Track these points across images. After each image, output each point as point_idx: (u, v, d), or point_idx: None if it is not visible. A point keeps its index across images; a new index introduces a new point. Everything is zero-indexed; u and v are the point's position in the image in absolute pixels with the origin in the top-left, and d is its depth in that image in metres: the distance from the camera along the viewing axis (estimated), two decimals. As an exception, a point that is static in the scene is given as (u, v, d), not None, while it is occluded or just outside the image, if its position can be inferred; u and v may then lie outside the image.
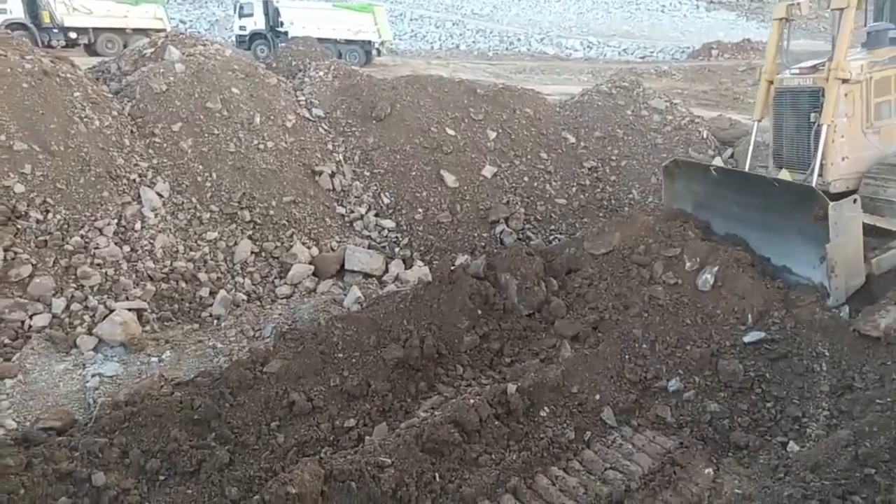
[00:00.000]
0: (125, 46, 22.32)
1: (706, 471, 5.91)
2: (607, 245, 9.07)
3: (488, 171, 13.20)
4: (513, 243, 11.18)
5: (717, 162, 9.69)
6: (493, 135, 13.83)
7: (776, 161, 9.32)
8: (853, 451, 5.37)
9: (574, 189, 13.46)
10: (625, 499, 5.62)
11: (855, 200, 7.25)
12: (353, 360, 8.01)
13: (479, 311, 8.68)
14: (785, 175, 8.56)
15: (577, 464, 6.16)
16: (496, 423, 6.40)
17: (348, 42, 31.52)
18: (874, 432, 5.47)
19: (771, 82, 9.43)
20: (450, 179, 12.92)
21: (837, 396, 6.40)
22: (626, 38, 39.59)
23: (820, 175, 8.44)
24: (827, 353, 6.78)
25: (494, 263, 9.35)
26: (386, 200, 12.78)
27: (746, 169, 9.66)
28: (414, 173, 13.00)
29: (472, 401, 6.38)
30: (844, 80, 8.18)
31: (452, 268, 9.46)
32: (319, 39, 22.96)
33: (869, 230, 7.84)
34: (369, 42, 32.23)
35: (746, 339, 7.18)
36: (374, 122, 13.63)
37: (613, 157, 14.12)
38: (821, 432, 6.08)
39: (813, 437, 6.05)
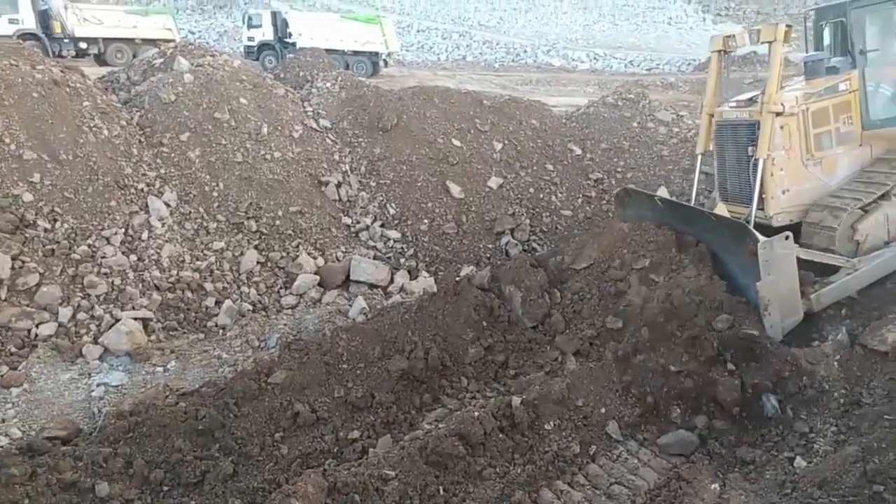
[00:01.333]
0: (134, 57, 22.54)
1: (712, 486, 5.86)
2: (587, 259, 8.99)
3: (494, 182, 13.22)
4: (518, 255, 11.15)
5: (663, 191, 9.57)
6: (499, 146, 13.86)
7: (721, 194, 9.18)
8: (861, 467, 5.31)
9: (580, 201, 13.47)
10: (630, 514, 5.58)
11: (787, 237, 7.04)
12: (358, 372, 7.99)
13: (484, 323, 8.65)
14: (722, 209, 8.21)
15: (582, 478, 6.11)
16: (501, 436, 6.36)
17: (356, 53, 31.71)
18: (883, 448, 5.41)
19: (712, 115, 9.24)
20: (455, 190, 12.94)
21: (845, 412, 6.35)
22: (632, 50, 39.69)
23: (762, 209, 8.32)
24: (836, 366, 6.73)
25: (498, 275, 9.32)
26: (392, 211, 12.81)
27: (692, 201, 9.51)
28: (420, 184, 13.03)
29: (476, 413, 6.35)
30: (778, 113, 8.07)
31: (457, 279, 9.45)
32: (327, 50, 23.11)
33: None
34: (376, 53, 32.41)
35: None
36: (380, 132, 13.68)
37: (619, 169, 14.13)
38: (828, 448, 6.02)
39: (820, 453, 5.99)
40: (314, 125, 13.60)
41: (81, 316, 8.86)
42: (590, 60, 38.16)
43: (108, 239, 9.73)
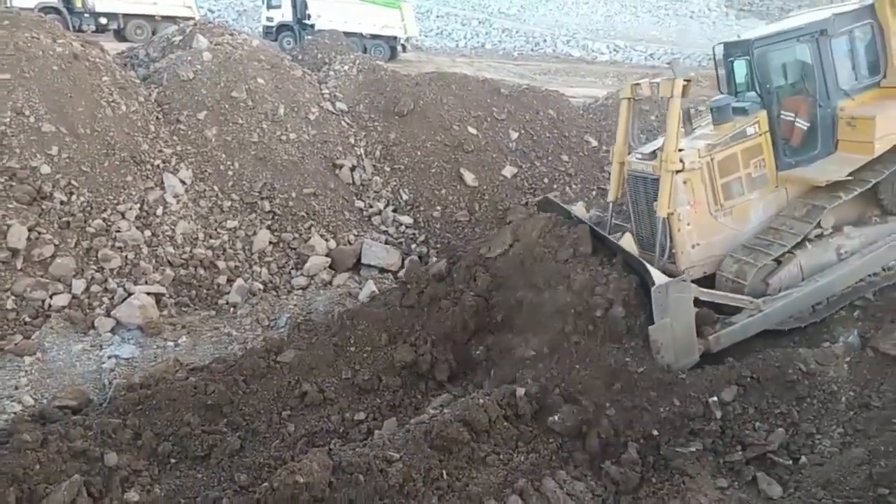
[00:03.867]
0: (154, 33, 22.55)
1: (716, 482, 5.87)
2: (501, 246, 8.77)
3: (508, 171, 13.18)
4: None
5: (579, 207, 9.24)
6: (514, 135, 13.81)
7: (637, 241, 8.62)
8: (867, 470, 5.29)
9: (594, 193, 13.40)
10: (632, 506, 5.60)
11: (684, 280, 6.94)
12: (364, 355, 8.05)
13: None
14: (627, 240, 7.87)
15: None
16: (505, 424, 6.39)
17: (374, 37, 31.58)
18: (890, 452, 5.39)
19: (622, 163, 8.93)
20: (469, 178, 12.92)
21: (853, 414, 6.31)
22: (653, 42, 39.24)
23: (673, 262, 8.07)
24: (845, 368, 6.69)
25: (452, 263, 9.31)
26: (405, 196, 12.81)
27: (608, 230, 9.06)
28: (434, 170, 13.01)
29: (481, 401, 6.37)
30: (678, 171, 7.73)
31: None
32: (345, 33, 22.97)
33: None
34: (395, 38, 32.26)
35: None
36: (396, 117, 13.66)
37: (635, 163, 14.04)
38: (834, 449, 5.99)
39: (826, 454, 5.97)
40: (330, 108, 13.59)
41: (95, 288, 8.95)
42: (609, 52, 37.79)
43: (123, 213, 9.80)
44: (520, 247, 8.58)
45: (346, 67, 14.98)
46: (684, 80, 7.69)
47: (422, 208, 12.54)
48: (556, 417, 6.34)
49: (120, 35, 25.30)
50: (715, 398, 6.40)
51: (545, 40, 39.76)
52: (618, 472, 5.76)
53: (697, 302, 7.24)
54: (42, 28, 11.18)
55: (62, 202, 9.46)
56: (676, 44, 37.80)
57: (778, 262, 7.85)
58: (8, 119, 9.61)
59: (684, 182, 7.86)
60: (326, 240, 11.29)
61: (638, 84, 8.79)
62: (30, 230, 8.88)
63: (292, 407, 7.40)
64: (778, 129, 8.28)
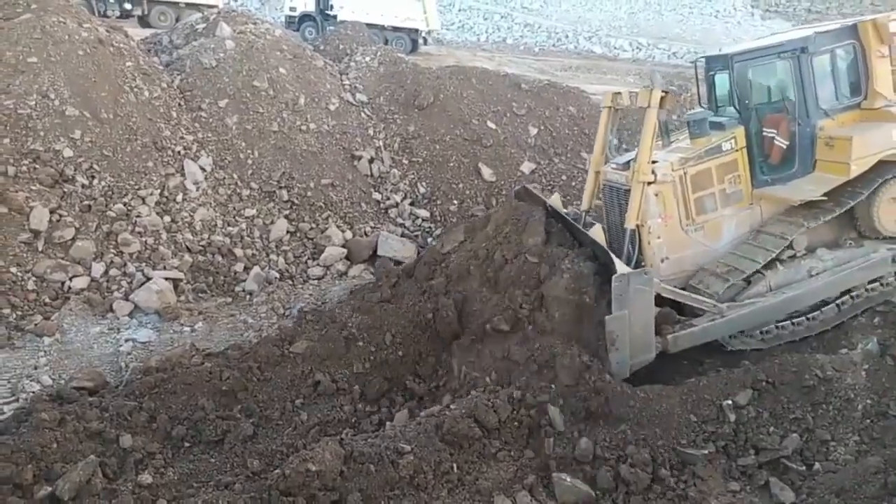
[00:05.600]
0: (178, 20, 22.68)
1: (728, 485, 5.84)
2: (452, 243, 8.74)
3: (527, 167, 13.13)
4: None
5: (555, 198, 9.05)
6: (534, 131, 13.75)
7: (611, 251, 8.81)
8: (882, 479, 5.24)
9: (612, 191, 13.32)
10: (642, 506, 5.58)
11: (647, 273, 6.78)
12: (372, 349, 8.06)
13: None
14: (598, 231, 7.65)
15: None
16: (516, 423, 6.35)
17: (396, 29, 31.53)
18: (906, 462, 5.33)
19: (598, 172, 8.79)
20: (487, 173, 12.89)
21: (870, 422, 6.24)
22: (676, 41, 38.82)
23: None
24: (863, 376, 6.61)
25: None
26: (422, 190, 12.81)
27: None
28: (452, 164, 12.99)
29: (491, 402, 6.31)
30: (650, 182, 7.58)
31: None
32: (367, 25, 22.97)
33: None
34: (416, 30, 32.19)
35: None
36: (416, 110, 13.65)
37: (655, 162, 13.93)
38: (849, 457, 5.94)
39: (840, 462, 5.92)
40: (350, 99, 13.61)
41: (114, 272, 9.05)
42: (632, 49, 37.45)
43: (143, 199, 9.89)
44: (470, 244, 8.58)
45: (367, 59, 14.99)
46: (662, 92, 7.54)
47: (439, 202, 12.53)
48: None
49: (144, 21, 25.43)
50: (729, 401, 6.36)
51: (567, 36, 39.49)
52: (629, 472, 5.75)
53: (661, 301, 7.16)
54: (68, 13, 11.30)
55: (84, 186, 9.57)
56: (700, 43, 37.36)
57: (748, 281, 7.69)
58: (33, 102, 9.73)
59: (656, 194, 7.75)
60: (343, 231, 11.33)
61: (619, 93, 8.64)
62: (51, 212, 9.00)
63: (305, 396, 7.45)
64: (755, 146, 8.11)
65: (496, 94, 14.21)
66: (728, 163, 8.04)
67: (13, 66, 9.98)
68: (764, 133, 8.15)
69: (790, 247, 7.82)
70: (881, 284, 7.94)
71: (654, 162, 7.71)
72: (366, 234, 11.45)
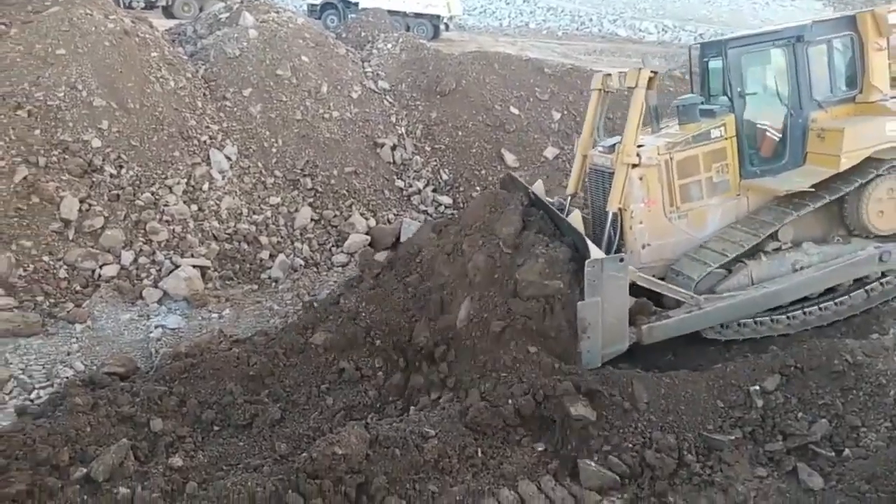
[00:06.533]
0: (201, 10, 22.81)
1: (755, 471, 5.78)
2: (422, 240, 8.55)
3: (550, 152, 13.05)
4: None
5: (538, 185, 8.77)
6: (557, 116, 13.65)
7: (592, 239, 7.98)
8: (915, 465, 5.15)
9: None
10: (668, 490, 5.56)
11: (622, 259, 6.50)
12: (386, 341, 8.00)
13: None
14: (577, 217, 7.63)
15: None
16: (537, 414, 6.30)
17: (417, 15, 31.38)
18: (939, 448, 5.22)
19: (586, 156, 8.56)
20: (510, 159, 12.84)
21: (902, 408, 6.12)
22: (703, 22, 38.08)
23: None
24: (895, 361, 6.49)
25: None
26: (445, 176, 12.80)
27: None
28: (474, 150, 12.96)
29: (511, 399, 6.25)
30: (634, 165, 7.37)
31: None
32: (389, 12, 22.88)
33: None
34: (438, 16, 31.99)
35: None
36: (438, 96, 13.62)
37: (680, 146, 13.74)
38: (880, 443, 5.83)
39: (871, 448, 5.82)
40: (373, 86, 13.62)
41: (143, 260, 9.21)
42: (658, 32, 36.81)
43: (170, 188, 10.03)
44: (440, 239, 8.40)
45: (389, 46, 14.97)
46: (651, 72, 7.37)
47: (461, 189, 12.52)
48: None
49: (168, 11, 25.63)
50: (757, 387, 6.29)
51: (591, 19, 38.94)
52: (654, 457, 5.72)
53: (641, 292, 7.00)
54: (95, 4, 11.44)
55: (112, 175, 9.73)
56: (728, 24, 36.62)
57: (729, 269, 7.50)
58: (62, 93, 9.90)
59: (640, 178, 7.55)
60: (366, 218, 11.39)
61: (609, 75, 8.38)
62: (81, 202, 9.17)
63: (330, 381, 7.51)
64: (745, 135, 7.87)
65: (519, 79, 14.11)
66: (716, 150, 7.82)
67: (42, 59, 10.15)
68: (757, 124, 7.93)
69: (775, 238, 7.62)
70: None
71: (640, 146, 7.51)
72: (389, 222, 11.50)
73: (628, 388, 6.21)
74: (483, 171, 12.77)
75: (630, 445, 5.82)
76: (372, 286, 8.57)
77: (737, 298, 7.24)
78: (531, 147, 13.00)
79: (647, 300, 7.08)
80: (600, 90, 8.54)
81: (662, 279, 7.56)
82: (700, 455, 5.87)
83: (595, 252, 6.48)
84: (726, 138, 7.81)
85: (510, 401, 6.13)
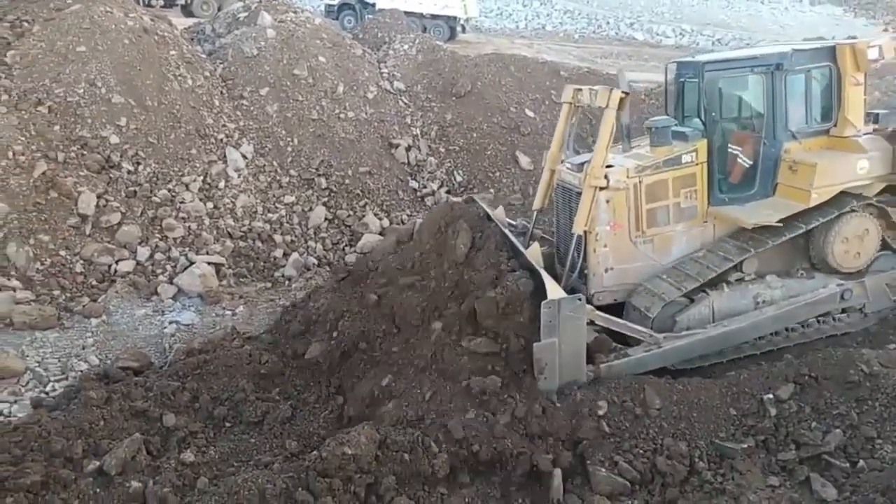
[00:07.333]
0: (220, 9, 22.99)
1: (767, 480, 5.73)
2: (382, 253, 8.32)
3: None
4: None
5: (499, 212, 8.58)
6: (573, 119, 13.58)
7: (557, 256, 8.19)
8: (931, 478, 5.08)
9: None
10: (678, 498, 5.52)
11: (580, 299, 6.28)
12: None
13: None
14: (535, 250, 7.31)
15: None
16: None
17: (434, 17, 31.44)
18: (956, 461, 5.15)
19: (554, 171, 8.30)
20: (525, 161, 12.82)
21: (919, 420, 6.05)
22: (721, 27, 37.85)
23: (584, 283, 7.47)
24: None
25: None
26: (459, 178, 12.81)
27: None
28: (489, 152, 12.95)
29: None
30: (602, 187, 7.15)
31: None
32: (406, 13, 22.97)
33: None
34: (455, 18, 32.04)
35: None
36: (453, 98, 13.63)
37: (697, 151, 13.66)
38: (896, 455, 5.77)
39: (887, 460, 5.75)
40: (388, 87, 13.66)
41: (158, 256, 9.30)
42: (675, 36, 36.61)
43: (187, 185, 10.12)
44: (397, 254, 8.24)
45: (405, 47, 15.01)
46: (622, 93, 7.14)
47: (475, 190, 12.51)
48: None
49: (187, 10, 25.84)
50: (770, 395, 6.23)
51: (608, 22, 38.81)
52: (665, 464, 5.69)
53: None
54: (115, 2, 11.57)
55: (129, 172, 9.83)
56: (746, 29, 36.42)
57: (690, 299, 7.33)
58: (82, 90, 10.01)
59: (607, 201, 7.32)
60: (380, 218, 11.42)
61: (580, 90, 8.17)
62: (98, 197, 9.27)
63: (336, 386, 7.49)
64: (716, 162, 7.66)
65: (535, 81, 14.10)
66: (686, 176, 7.58)
67: (63, 56, 10.28)
68: (728, 150, 7.74)
69: (739, 269, 7.45)
70: None
71: (609, 166, 7.34)
72: (402, 222, 11.51)
73: (640, 393, 6.19)
74: (497, 174, 12.76)
75: (641, 451, 5.79)
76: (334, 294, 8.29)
77: (694, 338, 7.07)
78: (546, 150, 12.96)
79: (605, 336, 6.90)
80: (570, 104, 8.32)
81: (623, 303, 7.47)
82: (712, 463, 5.83)
83: (553, 292, 6.30)
84: (697, 164, 7.60)
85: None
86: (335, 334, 7.58)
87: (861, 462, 5.74)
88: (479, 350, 6.54)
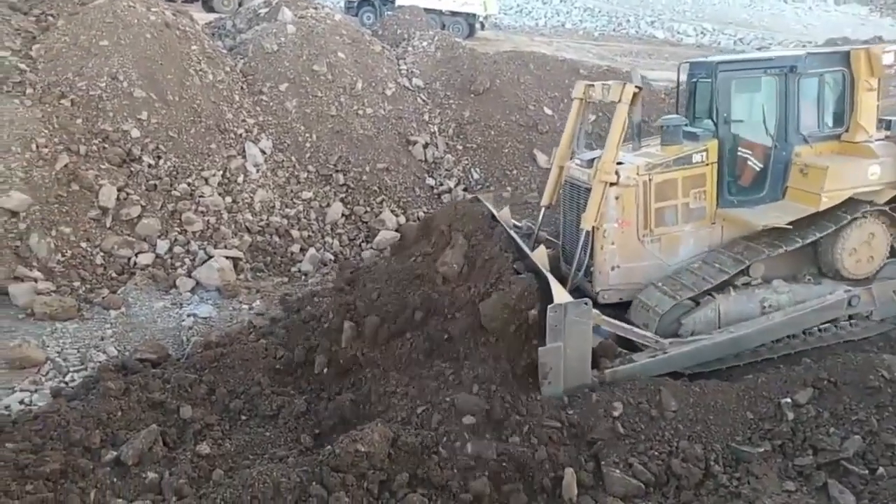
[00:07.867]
0: (240, 4, 23.13)
1: (783, 485, 5.67)
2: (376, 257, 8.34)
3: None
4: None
5: (506, 212, 8.47)
6: (592, 117, 13.51)
7: (562, 253, 8.12)
8: (952, 487, 5.00)
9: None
10: (693, 501, 5.48)
11: (586, 303, 6.17)
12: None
13: None
14: (541, 253, 7.22)
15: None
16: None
17: (453, 14, 31.39)
18: (978, 470, 5.07)
19: (562, 167, 8.21)
20: (542, 160, 12.77)
21: (940, 427, 5.95)
22: (743, 26, 37.41)
23: (590, 281, 7.40)
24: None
25: None
26: (476, 176, 12.79)
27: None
28: (507, 150, 12.92)
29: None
30: (612, 183, 7.07)
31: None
32: (425, 9, 22.94)
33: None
34: (474, 15, 31.97)
35: None
36: (471, 95, 13.61)
37: (717, 151, 13.53)
38: (917, 463, 5.68)
39: (907, 468, 5.67)
40: (407, 84, 13.66)
41: (177, 249, 9.38)
42: (696, 35, 36.23)
43: (206, 179, 10.20)
44: (389, 262, 8.25)
45: (424, 44, 15.01)
46: (636, 88, 7.11)
47: (492, 188, 12.49)
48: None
49: (208, 5, 25.98)
50: (788, 399, 6.16)
51: (628, 20, 38.52)
52: (680, 467, 5.65)
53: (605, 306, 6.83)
54: (138, -3, 11.68)
55: (150, 165, 9.93)
56: (769, 29, 35.99)
57: (697, 302, 7.24)
58: (104, 84, 10.13)
59: (616, 197, 7.26)
60: (397, 215, 11.44)
61: (591, 85, 8.12)
62: (119, 191, 9.38)
63: (354, 378, 7.53)
64: (726, 163, 7.58)
65: (554, 79, 14.04)
66: (696, 176, 7.53)
67: (86, 49, 10.40)
68: (739, 152, 7.66)
69: (746, 273, 7.36)
70: None
71: (619, 163, 7.27)
72: (419, 219, 11.51)
73: (656, 395, 6.14)
74: (514, 172, 12.73)
75: (656, 453, 5.74)
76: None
77: (700, 344, 7.01)
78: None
79: (611, 342, 6.85)
80: (581, 100, 8.31)
81: (629, 303, 7.41)
82: (727, 466, 5.77)
83: (559, 296, 6.22)
84: (707, 164, 7.54)
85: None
86: (335, 348, 7.47)
87: (881, 469, 5.65)
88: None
